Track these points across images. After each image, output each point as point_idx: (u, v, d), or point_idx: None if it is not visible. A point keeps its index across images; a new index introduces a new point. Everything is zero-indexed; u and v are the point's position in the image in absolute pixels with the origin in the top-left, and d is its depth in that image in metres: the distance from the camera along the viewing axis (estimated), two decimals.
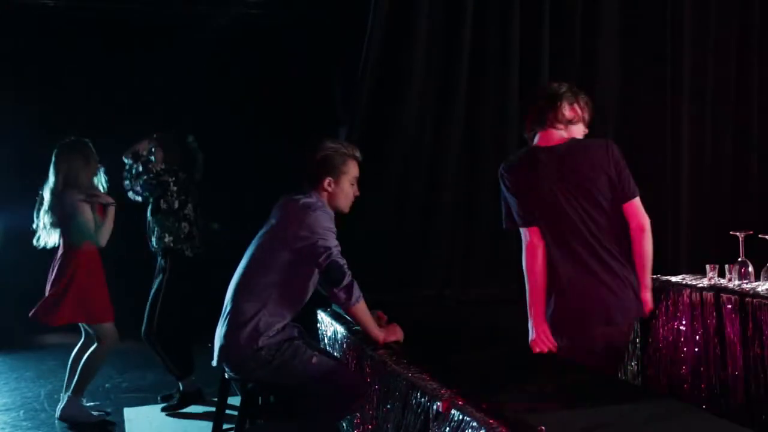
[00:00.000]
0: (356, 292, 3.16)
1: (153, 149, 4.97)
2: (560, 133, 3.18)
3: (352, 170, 3.36)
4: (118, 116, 6.93)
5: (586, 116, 3.26)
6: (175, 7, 7.03)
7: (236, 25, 7.18)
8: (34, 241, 4.68)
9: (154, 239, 4.96)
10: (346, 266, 3.16)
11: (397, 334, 3.26)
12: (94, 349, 4.60)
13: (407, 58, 4.84)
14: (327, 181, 3.30)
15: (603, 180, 3.05)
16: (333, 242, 3.17)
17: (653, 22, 5.41)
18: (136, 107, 7.07)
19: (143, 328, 4.91)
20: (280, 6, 7.10)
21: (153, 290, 4.95)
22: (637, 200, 3.09)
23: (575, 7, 5.23)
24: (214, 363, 3.27)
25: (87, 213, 4.59)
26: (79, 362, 4.61)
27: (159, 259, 4.98)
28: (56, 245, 4.70)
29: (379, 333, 3.24)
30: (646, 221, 3.09)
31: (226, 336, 3.18)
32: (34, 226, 4.68)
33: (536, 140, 3.24)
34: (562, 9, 5.19)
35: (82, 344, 4.74)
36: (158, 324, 4.84)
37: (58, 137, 4.79)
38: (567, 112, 3.19)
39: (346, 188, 3.34)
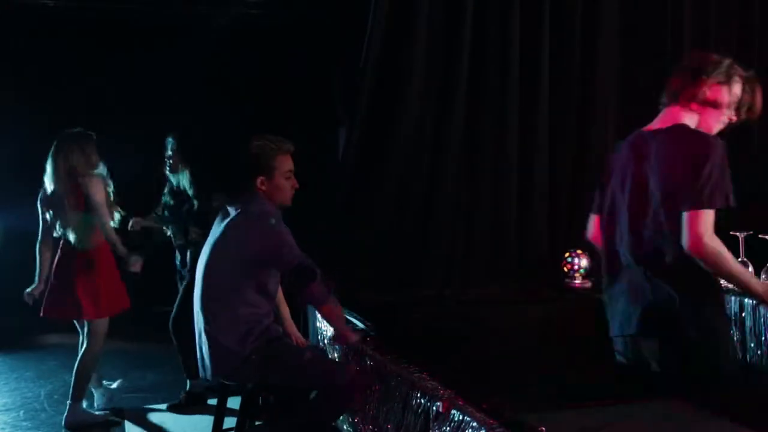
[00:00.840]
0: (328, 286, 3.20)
1: (169, 158, 4.90)
2: (687, 115, 2.65)
3: (284, 164, 3.26)
4: (118, 116, 6.93)
5: (735, 103, 2.67)
6: (175, 7, 7.02)
7: (236, 25, 7.18)
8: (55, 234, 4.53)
9: (179, 236, 4.94)
10: (313, 263, 3.15)
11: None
12: (86, 351, 4.50)
13: (407, 58, 4.83)
14: (259, 180, 3.22)
15: (674, 181, 2.52)
16: (297, 252, 3.14)
17: (653, 22, 5.41)
18: (137, 107, 7.07)
19: (171, 323, 4.86)
20: (280, 6, 7.11)
21: (182, 287, 4.92)
22: (691, 214, 2.47)
23: (575, 7, 5.23)
24: (210, 378, 3.24)
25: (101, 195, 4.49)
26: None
27: (185, 252, 4.94)
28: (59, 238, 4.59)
29: (348, 330, 3.30)
30: (697, 244, 2.46)
31: (212, 352, 3.15)
32: (56, 231, 4.53)
33: (657, 117, 2.74)
34: (562, 9, 5.19)
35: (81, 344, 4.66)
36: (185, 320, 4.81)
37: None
38: (710, 91, 2.62)
39: (281, 184, 3.24)
